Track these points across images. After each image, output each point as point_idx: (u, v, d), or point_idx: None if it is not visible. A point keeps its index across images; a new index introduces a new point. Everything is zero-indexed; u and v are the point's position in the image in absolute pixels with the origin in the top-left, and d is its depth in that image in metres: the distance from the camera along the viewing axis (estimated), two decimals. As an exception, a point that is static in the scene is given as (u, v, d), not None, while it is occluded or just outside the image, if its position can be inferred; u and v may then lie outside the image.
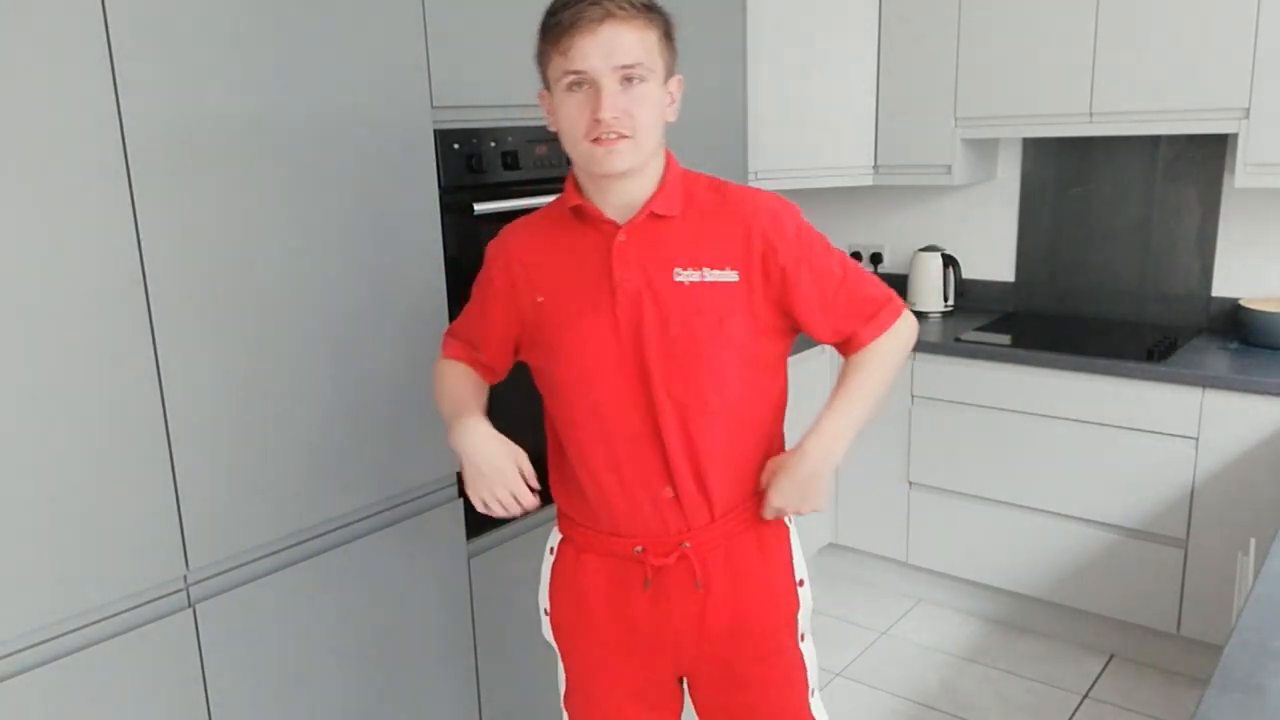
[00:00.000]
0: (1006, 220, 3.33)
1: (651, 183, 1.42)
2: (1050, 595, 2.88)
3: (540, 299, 1.46)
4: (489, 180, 2.02)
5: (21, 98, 1.34)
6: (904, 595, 3.23)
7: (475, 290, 1.57)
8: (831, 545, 3.31)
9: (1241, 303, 2.81)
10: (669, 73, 1.39)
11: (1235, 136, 2.66)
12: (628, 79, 1.32)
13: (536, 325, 1.48)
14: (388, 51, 1.78)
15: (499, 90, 2.01)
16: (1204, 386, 2.53)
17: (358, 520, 1.87)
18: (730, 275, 1.41)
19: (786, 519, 1.55)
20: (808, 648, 1.58)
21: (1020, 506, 2.88)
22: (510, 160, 2.04)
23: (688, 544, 1.46)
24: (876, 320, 1.49)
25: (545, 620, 1.62)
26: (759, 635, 1.51)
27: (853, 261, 1.51)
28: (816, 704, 1.60)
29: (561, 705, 1.65)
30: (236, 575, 1.68)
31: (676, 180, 1.43)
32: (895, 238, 3.57)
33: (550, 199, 2.09)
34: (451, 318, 1.96)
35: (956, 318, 3.27)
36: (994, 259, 3.38)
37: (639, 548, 1.47)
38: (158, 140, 1.48)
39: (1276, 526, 2.29)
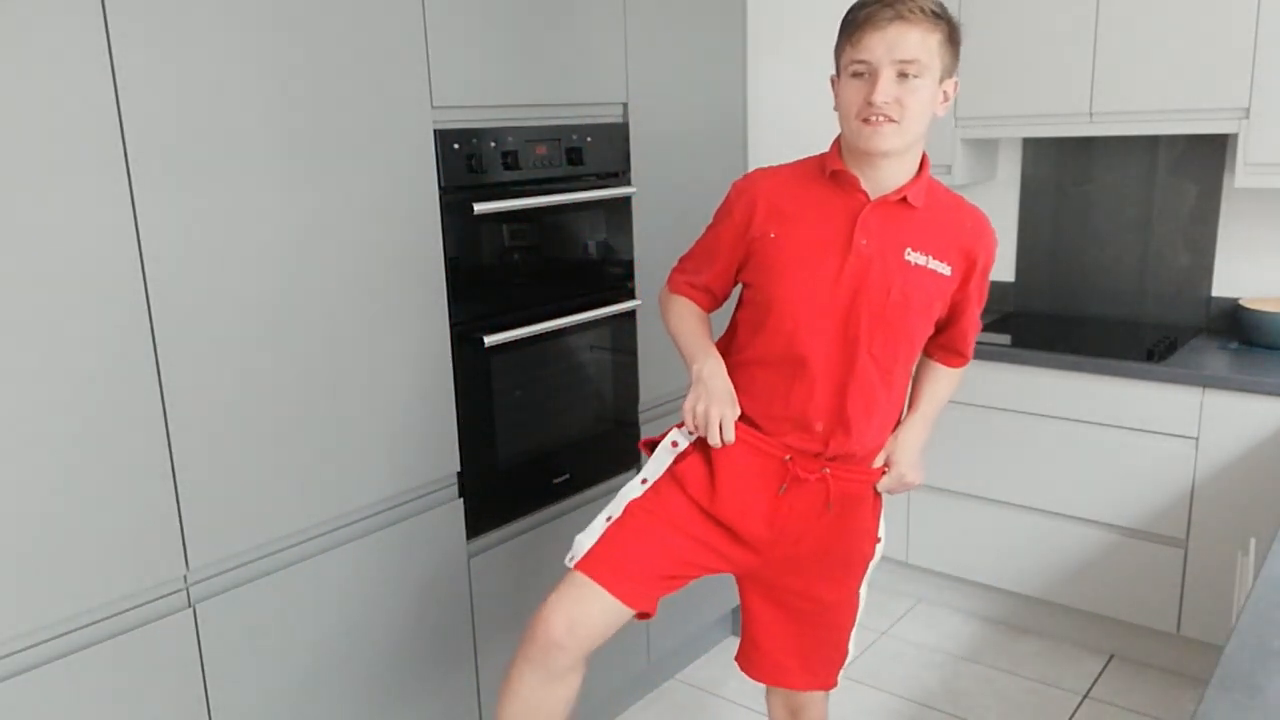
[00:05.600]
0: (1007, 221, 3.32)
1: (906, 171, 1.62)
2: (1050, 595, 2.88)
3: (773, 235, 1.65)
4: (489, 180, 2.01)
5: (22, 98, 1.34)
6: (904, 595, 3.23)
7: (713, 221, 1.77)
8: (831, 545, 3.31)
9: (1241, 303, 2.81)
10: (946, 74, 1.57)
11: (1235, 136, 2.66)
12: (904, 73, 1.51)
13: (764, 254, 1.67)
14: (388, 51, 1.78)
15: (499, 90, 2.01)
16: (1204, 386, 2.53)
17: (358, 520, 1.87)
18: (946, 269, 1.65)
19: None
20: (864, 593, 1.83)
21: (1020, 506, 2.88)
22: (510, 160, 2.04)
23: (829, 470, 1.68)
24: (970, 353, 1.83)
25: (639, 486, 1.71)
26: (841, 563, 1.76)
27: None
28: (852, 641, 1.86)
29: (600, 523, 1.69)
30: (236, 575, 1.68)
31: (927, 179, 1.64)
32: (895, 238, 3.57)
33: (548, 199, 2.11)
34: (452, 317, 1.97)
35: (956, 318, 3.27)
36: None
37: (788, 456, 1.66)
38: (158, 140, 1.49)
39: (1276, 526, 2.29)
